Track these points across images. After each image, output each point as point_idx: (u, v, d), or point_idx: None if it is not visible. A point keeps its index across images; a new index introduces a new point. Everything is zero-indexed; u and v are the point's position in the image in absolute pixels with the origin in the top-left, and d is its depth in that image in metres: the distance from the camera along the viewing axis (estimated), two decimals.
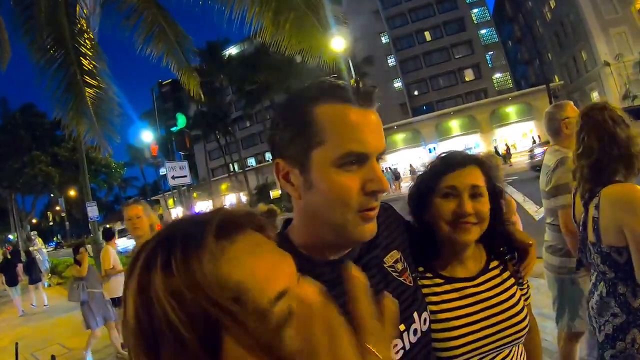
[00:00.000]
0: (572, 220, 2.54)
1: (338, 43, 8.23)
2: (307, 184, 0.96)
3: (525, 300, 1.44)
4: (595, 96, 39.32)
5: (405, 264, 1.23)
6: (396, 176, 32.64)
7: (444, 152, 1.46)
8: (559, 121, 3.11)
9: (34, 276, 13.80)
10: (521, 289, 1.43)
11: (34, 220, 44.30)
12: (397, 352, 1.06)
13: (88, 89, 8.06)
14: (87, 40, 8.10)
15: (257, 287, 0.54)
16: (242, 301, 0.53)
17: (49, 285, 17.48)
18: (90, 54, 8.09)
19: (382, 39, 57.36)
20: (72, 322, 9.92)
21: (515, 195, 12.80)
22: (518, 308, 1.34)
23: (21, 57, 8.80)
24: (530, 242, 1.49)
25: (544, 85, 30.48)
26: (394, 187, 31.86)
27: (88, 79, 8.04)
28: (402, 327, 1.10)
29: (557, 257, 3.16)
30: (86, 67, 7.99)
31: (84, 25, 8.21)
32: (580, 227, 2.19)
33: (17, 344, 6.30)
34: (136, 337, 0.54)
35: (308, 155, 0.94)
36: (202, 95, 8.64)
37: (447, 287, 1.34)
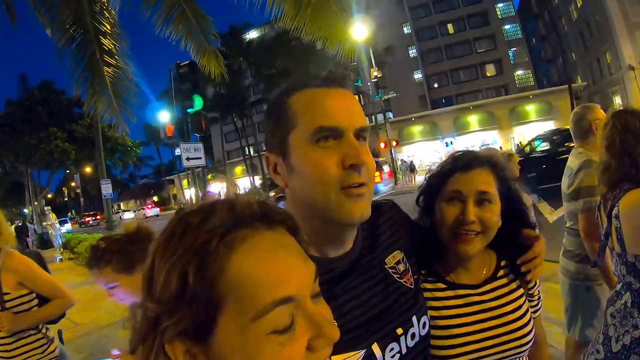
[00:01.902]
0: (593, 225, 2.47)
1: (359, 31, 8.12)
2: (289, 168, 0.98)
3: (535, 312, 1.38)
4: (617, 100, 38.64)
5: (407, 265, 1.20)
6: (411, 168, 32.42)
7: (458, 151, 1.38)
8: (590, 122, 3.03)
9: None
10: (530, 301, 1.37)
11: (49, 195, 45.00)
12: (394, 355, 1.03)
13: (107, 68, 8.07)
14: (106, 20, 8.09)
15: (265, 284, 0.56)
16: (247, 294, 0.56)
17: (61, 260, 17.73)
18: (110, 33, 8.08)
19: (404, 29, 56.91)
20: (81, 297, 10.03)
21: (530, 195, 12.64)
22: (524, 321, 1.27)
23: (43, 35, 8.81)
24: (535, 235, 1.38)
25: (566, 85, 29.96)
26: (408, 179, 31.71)
27: (107, 58, 8.05)
28: (400, 330, 1.07)
29: (573, 263, 3.09)
30: (106, 46, 8.00)
31: (105, 4, 8.19)
32: (602, 237, 2.14)
33: None
34: (146, 279, 0.59)
35: (285, 141, 0.97)
36: (225, 77, 8.60)
37: (450, 293, 1.29)
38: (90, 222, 53.22)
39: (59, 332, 5.19)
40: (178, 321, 0.55)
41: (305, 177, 0.95)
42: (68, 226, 35.77)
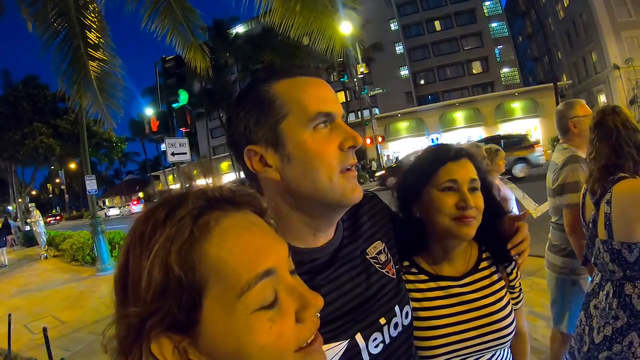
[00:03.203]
0: (578, 220, 2.52)
1: (347, 27, 8.10)
2: (284, 158, 0.96)
3: (516, 304, 1.40)
4: (602, 99, 39.17)
5: (389, 255, 1.21)
6: None
7: (433, 145, 1.44)
8: (568, 119, 3.09)
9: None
10: (512, 293, 1.39)
11: (33, 192, 44.33)
12: (377, 345, 1.04)
13: (92, 63, 7.96)
14: (91, 13, 7.96)
15: (245, 260, 0.57)
16: (229, 272, 0.56)
17: (47, 257, 17.50)
18: (95, 27, 7.96)
19: (392, 25, 56.87)
20: (67, 295, 9.97)
21: (515, 191, 12.76)
22: (505, 312, 1.30)
23: (26, 28, 8.66)
24: (520, 216, 1.42)
25: (552, 84, 30.33)
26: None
27: (92, 52, 7.93)
28: (382, 320, 1.07)
29: (559, 257, 3.13)
30: (91, 40, 7.88)
31: None
32: (590, 225, 2.19)
33: (10, 315, 6.33)
34: (121, 287, 0.59)
35: (277, 130, 0.95)
36: (210, 72, 8.55)
37: (432, 284, 1.31)
38: (52, 221, 53.71)
39: (44, 330, 5.15)
40: (164, 316, 0.54)
41: (306, 162, 0.94)
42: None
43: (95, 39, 8.01)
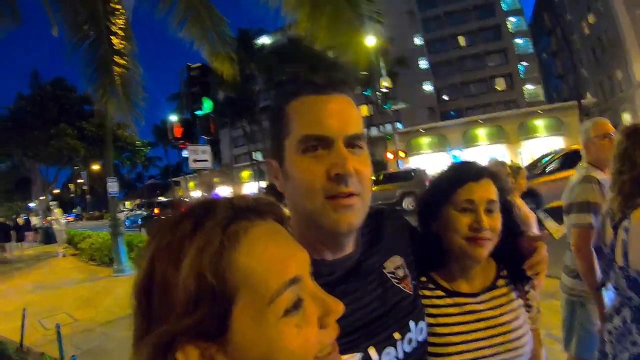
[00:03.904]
0: (585, 241, 2.52)
1: (372, 41, 8.13)
2: (284, 175, 0.99)
3: (532, 324, 1.38)
4: (627, 117, 38.42)
5: (406, 270, 1.20)
6: None
7: (456, 162, 1.42)
8: (589, 139, 3.01)
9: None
10: (529, 312, 1.37)
11: (55, 191, 45.20)
12: None
13: (117, 69, 8.14)
14: (119, 20, 8.15)
15: (273, 269, 0.59)
16: (259, 281, 0.58)
17: (64, 255, 17.78)
18: (122, 33, 8.14)
19: (416, 40, 56.95)
20: (82, 293, 10.10)
21: (536, 210, 12.54)
22: (521, 331, 1.28)
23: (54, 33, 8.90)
24: (538, 237, 1.42)
25: (576, 101, 29.78)
26: None
27: (117, 59, 8.10)
28: (397, 335, 1.06)
29: (570, 278, 3.05)
30: (116, 46, 8.05)
31: (117, 4, 8.25)
32: (609, 250, 2.14)
33: (24, 309, 6.43)
34: (145, 295, 0.59)
35: (281, 146, 0.99)
36: (237, 80, 8.67)
37: (448, 300, 1.30)
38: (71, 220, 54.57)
39: (57, 326, 5.21)
40: (194, 326, 0.55)
41: (295, 184, 0.96)
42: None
43: (121, 46, 8.18)
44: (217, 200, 0.64)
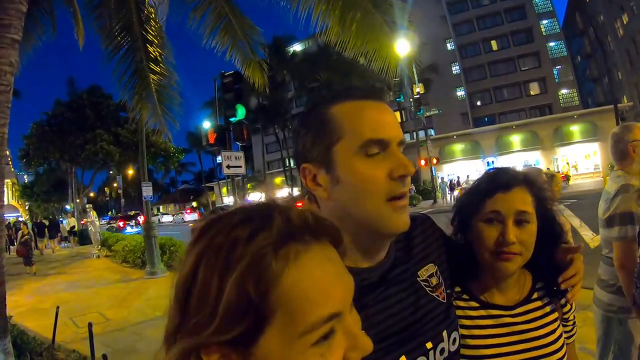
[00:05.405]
0: (629, 255, 2.40)
1: (403, 47, 8.09)
2: (333, 180, 0.98)
3: (569, 338, 1.35)
4: None
5: (440, 279, 1.19)
6: (451, 187, 31.94)
7: (492, 169, 1.37)
8: (627, 143, 2.87)
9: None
10: (565, 326, 1.34)
11: (91, 194, 46.36)
12: None
13: (152, 76, 8.31)
14: (153, 28, 8.33)
15: (314, 301, 0.58)
16: (298, 309, 0.57)
17: (98, 257, 18.28)
18: (157, 41, 8.32)
19: (448, 45, 56.37)
20: (114, 294, 10.34)
21: (571, 219, 12.18)
22: (556, 346, 1.25)
23: (91, 41, 9.20)
24: (575, 248, 1.35)
25: (612, 105, 28.77)
26: (448, 197, 31.20)
27: (153, 66, 8.29)
28: (429, 344, 1.05)
29: (607, 293, 2.91)
30: (152, 54, 8.24)
31: (152, 13, 8.45)
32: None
33: (58, 307, 6.63)
34: (184, 293, 0.59)
35: (330, 152, 0.98)
36: (267, 88, 8.75)
37: (482, 312, 1.28)
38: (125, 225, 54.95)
39: (89, 325, 5.34)
40: (225, 334, 0.55)
41: (353, 188, 0.96)
42: None
43: (156, 53, 8.36)
44: (276, 209, 0.62)
